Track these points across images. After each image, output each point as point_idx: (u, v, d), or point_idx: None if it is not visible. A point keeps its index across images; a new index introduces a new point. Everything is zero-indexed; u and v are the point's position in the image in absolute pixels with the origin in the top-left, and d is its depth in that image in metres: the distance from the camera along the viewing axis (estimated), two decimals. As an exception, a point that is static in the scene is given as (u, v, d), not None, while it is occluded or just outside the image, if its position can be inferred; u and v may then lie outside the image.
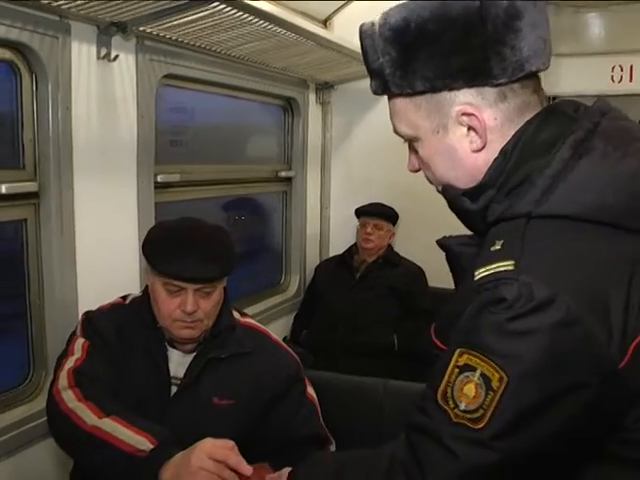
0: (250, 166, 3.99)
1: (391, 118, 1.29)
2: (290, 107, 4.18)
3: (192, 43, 2.89)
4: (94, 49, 2.44)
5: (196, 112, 3.50)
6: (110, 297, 2.16)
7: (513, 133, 1.19)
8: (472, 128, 1.19)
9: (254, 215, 4.20)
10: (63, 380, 1.91)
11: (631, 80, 4.14)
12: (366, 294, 3.93)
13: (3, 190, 2.19)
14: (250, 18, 2.67)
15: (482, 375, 1.05)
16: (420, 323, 3.84)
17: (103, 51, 2.45)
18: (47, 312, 2.44)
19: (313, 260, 4.47)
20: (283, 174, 4.14)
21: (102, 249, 2.56)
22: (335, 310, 3.93)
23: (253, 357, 2.08)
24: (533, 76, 1.20)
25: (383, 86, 1.23)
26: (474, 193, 1.22)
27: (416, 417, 1.15)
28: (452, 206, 1.28)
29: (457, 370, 1.08)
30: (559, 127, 1.17)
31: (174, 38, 2.77)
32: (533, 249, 1.08)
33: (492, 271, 1.07)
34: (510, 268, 1.05)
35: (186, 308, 1.92)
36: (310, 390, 2.19)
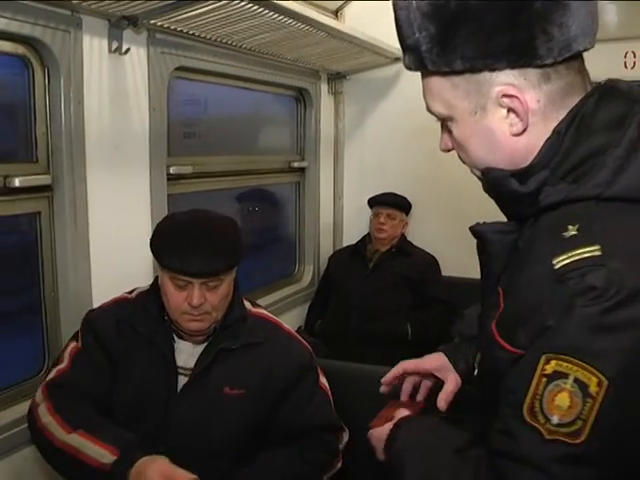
0: (263, 157, 3.99)
1: (424, 95, 1.22)
2: (302, 98, 4.17)
3: (203, 35, 2.89)
4: (105, 43, 2.44)
5: (209, 104, 3.51)
6: (124, 289, 2.20)
7: (557, 116, 1.12)
8: (513, 110, 1.12)
9: (267, 206, 4.20)
10: (38, 393, 2.02)
11: (644, 66, 4.10)
12: (379, 283, 3.93)
13: (17, 183, 2.20)
14: (261, 10, 2.67)
15: (576, 381, 0.96)
16: (434, 312, 3.86)
17: (114, 45, 2.46)
18: (61, 304, 2.45)
19: (327, 250, 4.47)
20: (296, 165, 4.14)
21: (115, 241, 2.57)
22: (349, 300, 3.94)
23: (264, 347, 2.09)
24: (578, 56, 1.12)
25: (418, 62, 1.15)
26: (523, 175, 1.14)
27: (497, 441, 1.05)
28: (494, 189, 1.21)
29: (545, 379, 0.98)
30: (620, 106, 1.10)
31: (185, 31, 2.77)
32: (614, 233, 1.01)
33: (576, 257, 0.99)
34: (597, 254, 0.98)
35: (192, 302, 1.93)
36: (323, 379, 2.21)
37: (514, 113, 1.12)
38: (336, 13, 4.13)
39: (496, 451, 1.05)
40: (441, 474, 1.20)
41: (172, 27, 2.69)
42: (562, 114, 1.12)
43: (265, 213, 4.20)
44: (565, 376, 0.96)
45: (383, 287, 3.92)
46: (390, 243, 4.04)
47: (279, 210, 4.33)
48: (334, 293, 4.10)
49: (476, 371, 1.26)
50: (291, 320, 4.10)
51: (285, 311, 4.01)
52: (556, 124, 1.12)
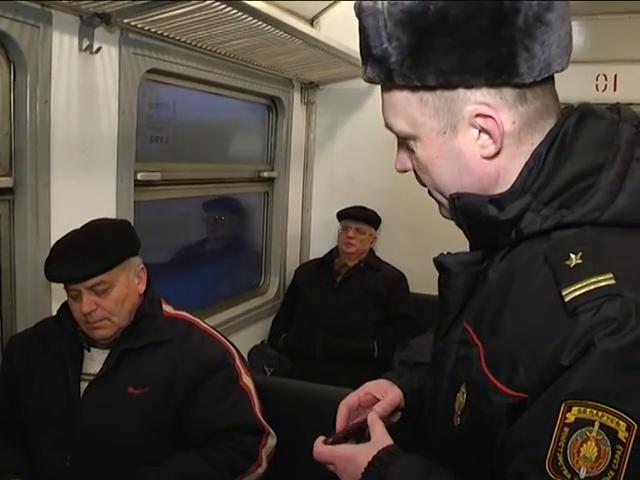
0: (232, 165, 3.89)
1: (384, 111, 1.11)
2: (274, 106, 4.09)
3: (177, 38, 2.79)
4: (76, 40, 2.34)
5: (178, 108, 3.40)
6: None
7: (531, 139, 1.05)
8: (486, 131, 1.03)
9: (234, 215, 4.11)
10: None
11: (615, 89, 4.10)
12: (347, 298, 3.86)
13: (-25, 185, 2.08)
14: (238, 14, 2.59)
15: (603, 427, 0.87)
16: (400, 329, 3.80)
17: (85, 42, 2.35)
18: (19, 314, 2.35)
19: (293, 262, 4.39)
20: (265, 174, 4.06)
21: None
22: (315, 314, 3.86)
23: (173, 345, 2.09)
24: (551, 78, 1.05)
25: (385, 75, 1.04)
26: (502, 200, 1.05)
27: None
28: (467, 215, 1.10)
29: (567, 429, 0.89)
30: (602, 127, 1.04)
31: (159, 32, 2.67)
32: (622, 260, 0.94)
33: (591, 287, 0.92)
34: (612, 282, 0.91)
35: (83, 310, 1.97)
36: (245, 380, 2.16)
37: (487, 134, 1.04)
38: (312, 22, 4.06)
39: None
40: None
41: (146, 27, 2.59)
42: (536, 137, 1.05)
43: (232, 222, 4.10)
44: (590, 423, 0.87)
45: (350, 302, 3.85)
46: (358, 258, 3.98)
47: (246, 220, 4.25)
48: (300, 307, 4.02)
49: (458, 420, 1.13)
50: (255, 333, 4.04)
51: (249, 324, 3.93)
52: (530, 147, 1.05)
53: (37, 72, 2.19)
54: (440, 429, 1.21)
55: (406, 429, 1.45)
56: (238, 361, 2.18)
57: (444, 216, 1.18)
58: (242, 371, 2.16)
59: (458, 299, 1.16)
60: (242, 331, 3.83)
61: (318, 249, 4.35)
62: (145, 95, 2.96)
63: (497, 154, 1.05)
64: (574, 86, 4.03)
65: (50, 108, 2.26)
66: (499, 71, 0.99)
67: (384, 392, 1.47)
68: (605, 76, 4.11)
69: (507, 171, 1.07)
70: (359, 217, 3.99)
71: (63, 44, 2.28)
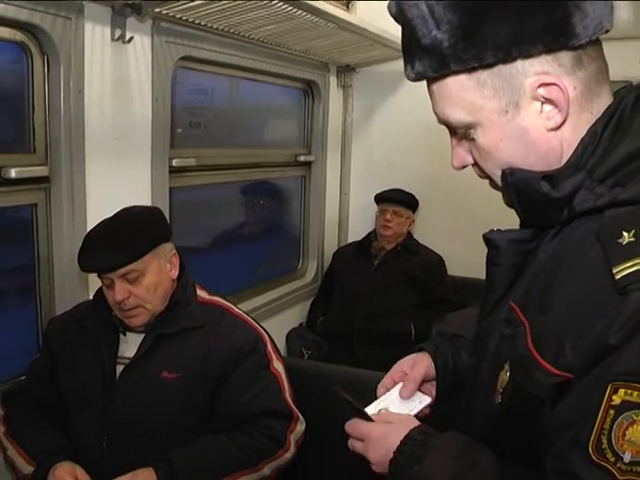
0: (269, 150, 3.92)
1: (437, 105, 1.10)
2: (311, 90, 4.09)
3: (210, 25, 2.80)
4: (108, 31, 2.37)
5: (216, 94, 3.44)
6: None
7: (591, 107, 1.04)
8: (550, 101, 1.02)
9: (272, 199, 4.14)
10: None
11: (664, 67, 4.01)
12: (384, 282, 3.87)
13: (13, 174, 2.13)
14: (270, 0, 2.59)
15: None
16: (438, 313, 3.78)
17: (117, 33, 2.38)
18: (57, 300, 2.40)
19: (331, 246, 4.40)
20: (302, 158, 4.06)
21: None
22: (352, 297, 3.87)
23: (206, 330, 2.12)
24: (600, 40, 1.04)
25: (437, 64, 1.03)
26: (556, 177, 1.04)
27: None
28: (519, 192, 1.09)
29: (613, 411, 0.87)
30: None
31: (191, 20, 2.68)
32: None
33: None
34: None
35: (115, 298, 2.01)
36: (276, 365, 2.18)
37: (551, 104, 1.03)
38: (347, 4, 4.03)
39: None
40: None
41: (177, 16, 2.60)
42: (595, 104, 1.04)
43: (269, 207, 4.13)
44: (637, 406, 0.85)
45: (387, 285, 3.86)
46: (396, 241, 3.98)
47: (284, 204, 4.27)
48: (337, 290, 4.03)
49: (499, 398, 1.11)
50: (293, 316, 4.07)
51: (287, 307, 3.96)
52: (589, 115, 1.04)
53: (70, 63, 2.23)
54: (479, 409, 1.21)
55: (435, 416, 1.46)
56: (270, 346, 2.19)
57: (493, 188, 1.17)
58: (273, 357, 2.18)
59: (505, 278, 1.15)
60: (280, 314, 3.86)
61: (356, 232, 4.35)
62: (182, 82, 2.99)
63: (562, 124, 1.04)
64: (619, 63, 3.95)
65: (84, 98, 2.30)
66: (556, 34, 0.99)
67: (413, 363, 1.48)
68: (655, 53, 4.01)
69: (569, 144, 1.06)
70: (396, 200, 3.98)
71: (95, 35, 2.32)
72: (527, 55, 1.00)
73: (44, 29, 2.14)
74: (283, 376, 2.18)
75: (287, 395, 2.16)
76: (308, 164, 4.17)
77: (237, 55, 3.14)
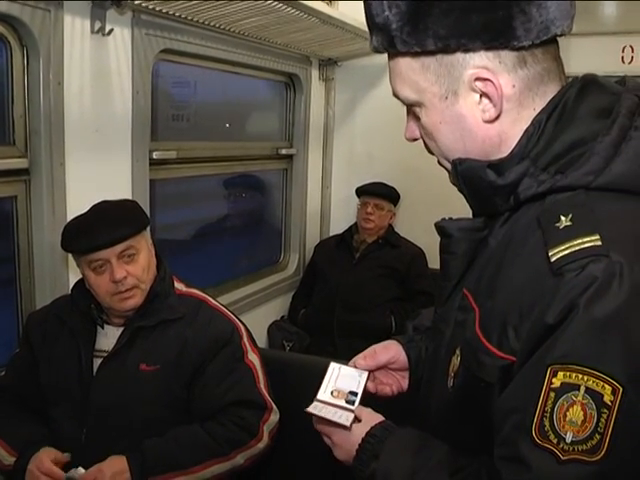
0: (250, 143, 3.92)
1: (391, 80, 1.14)
2: (292, 83, 4.09)
3: (190, 18, 2.80)
4: (88, 23, 2.36)
5: (199, 88, 3.44)
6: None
7: (532, 104, 1.07)
8: (486, 95, 1.05)
9: (254, 192, 4.15)
10: None
11: (641, 61, 4.05)
12: (365, 274, 3.89)
13: (-8, 166, 2.14)
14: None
15: (588, 392, 0.88)
16: (419, 305, 3.81)
17: (97, 25, 2.38)
18: (38, 292, 2.41)
19: (313, 239, 4.41)
20: (284, 151, 4.08)
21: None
22: (333, 290, 3.89)
23: (184, 322, 2.14)
24: (554, 41, 1.07)
25: (387, 43, 1.07)
26: (501, 165, 1.07)
27: (505, 471, 0.95)
28: (467, 180, 1.12)
29: (553, 394, 0.90)
30: (604, 97, 1.05)
31: (171, 12, 2.68)
32: (611, 223, 0.95)
33: (576, 248, 0.93)
34: (598, 243, 0.92)
35: (115, 277, 2.02)
36: (251, 357, 2.20)
37: (487, 98, 1.06)
38: (329, -3, 4.05)
39: None
40: None
41: (157, 8, 2.60)
42: (537, 102, 1.07)
43: (251, 200, 4.14)
44: (576, 388, 0.89)
45: (369, 278, 3.88)
46: (377, 234, 4.00)
47: (266, 197, 4.28)
48: (319, 283, 4.05)
49: (452, 382, 1.15)
50: (274, 309, 4.08)
51: (269, 300, 3.97)
52: (531, 112, 1.07)
53: (50, 55, 2.23)
54: (435, 395, 1.24)
55: (400, 404, 1.47)
56: (246, 338, 2.21)
57: (453, 184, 1.19)
58: (248, 348, 2.20)
59: (458, 265, 1.18)
60: (262, 307, 3.88)
61: (338, 225, 4.37)
62: (164, 75, 3.00)
63: (498, 118, 1.07)
64: (600, 58, 4.01)
65: (63, 90, 2.30)
66: (495, 34, 1.01)
67: (384, 347, 1.51)
68: (632, 47, 4.05)
69: (509, 136, 1.09)
70: (378, 193, 4.00)
71: (75, 27, 2.31)
72: (467, 49, 1.03)
73: (23, 21, 2.14)
74: (258, 367, 2.19)
75: (261, 385, 2.18)
76: (290, 157, 4.18)
77: (218, 48, 3.15)
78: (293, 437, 2.21)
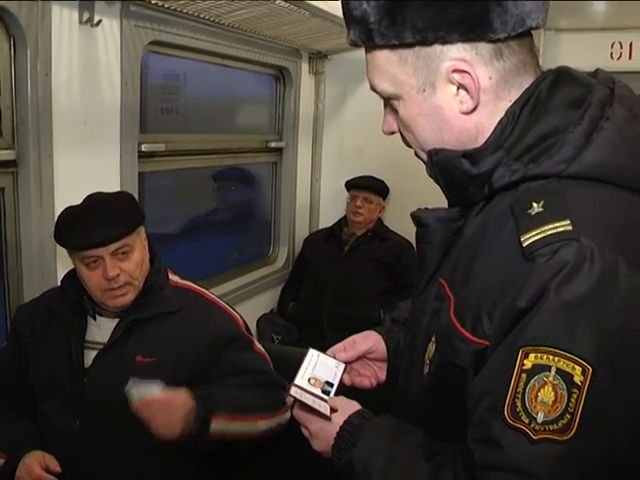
0: (239, 136, 3.91)
1: (369, 73, 1.16)
2: (282, 77, 4.08)
3: (179, 9, 2.79)
4: (76, 13, 2.34)
5: (188, 80, 3.42)
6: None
7: (509, 95, 1.09)
8: (463, 87, 1.07)
9: (243, 185, 4.13)
10: None
11: (630, 57, 4.06)
12: (354, 267, 3.90)
13: (-22, 158, 2.12)
14: (239, -15, 2.58)
15: (559, 372, 0.90)
16: (407, 298, 3.79)
17: (85, 15, 2.35)
18: (26, 285, 2.39)
19: (302, 232, 4.42)
20: (273, 144, 4.07)
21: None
22: (322, 283, 3.91)
23: (181, 315, 2.13)
24: (529, 33, 1.09)
25: (365, 36, 1.08)
26: (476, 155, 1.09)
27: (478, 452, 0.96)
28: (443, 170, 1.14)
29: (525, 375, 0.92)
30: (577, 89, 1.07)
31: (160, 4, 2.66)
32: (583, 209, 0.97)
33: (548, 233, 0.94)
34: (569, 228, 0.94)
35: (108, 274, 1.99)
36: (259, 346, 2.23)
37: (464, 90, 1.08)
38: (319, -10, 4.03)
39: (478, 463, 0.96)
40: None
41: (147, -1, 2.59)
42: (513, 93, 1.09)
43: (240, 193, 4.12)
44: (547, 369, 0.90)
45: (358, 271, 3.89)
46: (366, 227, 4.01)
47: (255, 190, 4.27)
48: (308, 276, 4.06)
49: (427, 368, 1.17)
50: (264, 302, 4.08)
51: (258, 293, 3.97)
52: (507, 103, 1.09)
53: (37, 46, 2.20)
54: (413, 382, 1.26)
55: (377, 394, 1.48)
56: (245, 330, 2.23)
57: (430, 176, 1.20)
58: (253, 339, 2.23)
59: (434, 255, 1.19)
60: (251, 300, 3.88)
61: (327, 219, 4.38)
62: (153, 67, 2.98)
63: (475, 109, 1.09)
64: (589, 54, 4.02)
65: (51, 81, 2.28)
66: (472, 26, 1.03)
67: (364, 337, 1.50)
68: (620, 44, 4.06)
69: (485, 127, 1.10)
70: (367, 186, 4.02)
71: (63, 18, 2.29)
72: (444, 41, 1.05)
73: (11, 11, 2.11)
74: (267, 356, 2.23)
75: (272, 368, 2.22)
76: (279, 150, 4.17)
77: (208, 40, 3.13)
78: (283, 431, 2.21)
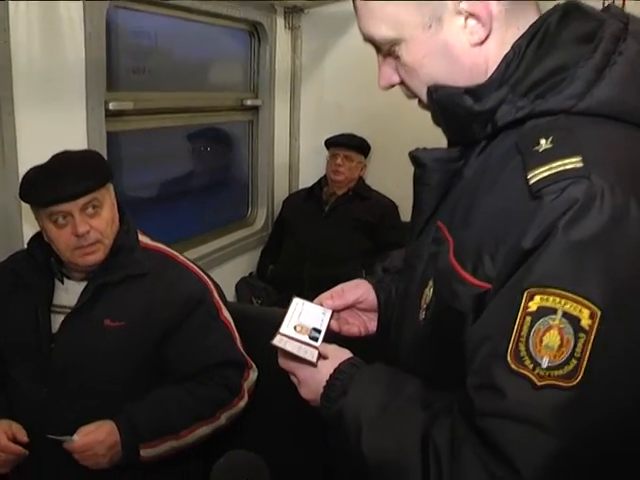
0: (213, 94, 3.84)
1: (362, 23, 1.10)
2: (257, 32, 4.01)
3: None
4: (34, -35, 2.28)
5: (160, 38, 3.36)
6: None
7: (517, 24, 1.05)
8: (473, 16, 1.03)
9: (219, 146, 4.07)
10: None
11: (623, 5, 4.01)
12: (335, 228, 3.89)
13: None
14: None
15: (566, 315, 0.87)
16: (390, 259, 3.79)
17: (45, -32, 2.30)
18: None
19: (282, 193, 4.38)
20: (249, 102, 4.00)
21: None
22: (302, 245, 3.90)
23: (150, 278, 2.10)
24: None
25: None
26: (479, 91, 1.06)
27: (479, 399, 0.94)
28: (444, 108, 1.10)
29: (529, 318, 0.89)
30: (587, 23, 1.04)
31: (125, -46, 2.60)
32: (593, 146, 0.94)
33: (556, 169, 0.91)
34: (579, 165, 0.90)
35: (77, 231, 1.96)
36: (225, 314, 2.19)
37: (474, 19, 1.04)
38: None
39: (478, 410, 0.93)
40: (411, 445, 1.02)
41: (110, -50, 2.52)
42: (522, 22, 1.06)
43: (216, 153, 4.06)
44: (553, 311, 0.88)
45: (339, 232, 3.87)
46: (347, 186, 3.99)
47: (231, 150, 4.21)
48: (288, 237, 4.05)
49: (423, 314, 1.14)
50: (242, 265, 4.07)
51: (236, 255, 3.95)
52: (516, 32, 1.06)
53: (-7, 1, 2.15)
54: (406, 332, 1.23)
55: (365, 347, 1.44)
56: (216, 295, 2.19)
57: (422, 108, 1.18)
58: (221, 305, 2.19)
59: (432, 197, 1.16)
60: (229, 263, 3.86)
61: (307, 178, 4.34)
62: (123, 25, 2.93)
63: (486, 40, 1.05)
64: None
65: (9, 37, 2.22)
66: None
67: (354, 285, 1.49)
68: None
69: (495, 61, 1.07)
70: (347, 144, 3.98)
71: (20, -30, 2.23)
72: None
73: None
74: (232, 325, 2.19)
75: (238, 343, 2.17)
76: (255, 108, 4.11)
77: (177, -6, 3.06)
78: (265, 393, 2.21)
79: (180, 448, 2.03)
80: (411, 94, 1.17)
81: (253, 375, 2.17)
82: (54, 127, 2.46)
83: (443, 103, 1.10)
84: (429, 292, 1.13)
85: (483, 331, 0.96)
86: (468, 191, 1.08)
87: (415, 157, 1.16)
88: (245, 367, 2.16)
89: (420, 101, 1.17)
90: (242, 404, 2.13)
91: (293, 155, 4.53)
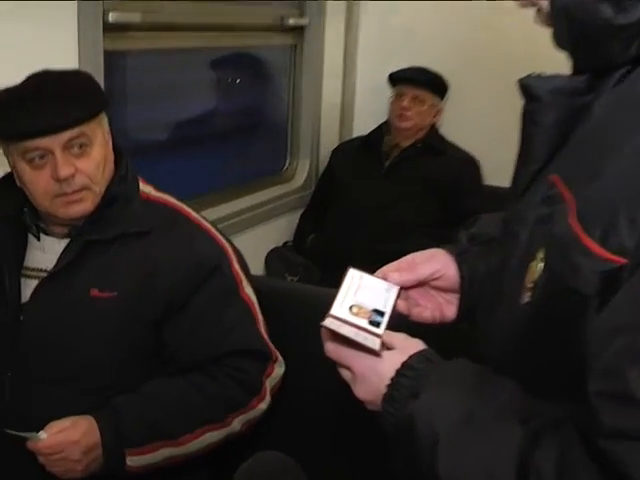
0: (246, 7, 3.78)
1: None
2: None
3: None
4: None
5: None
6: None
7: None
8: None
9: (251, 76, 4.08)
10: None
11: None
12: (397, 189, 3.86)
13: None
14: None
15: None
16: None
17: None
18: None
19: (330, 142, 4.37)
20: (292, 22, 3.96)
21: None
22: (355, 209, 3.88)
23: (153, 238, 2.09)
24: None
25: None
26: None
27: (608, 412, 0.89)
28: (572, 19, 1.05)
29: None
30: None
31: None
32: None
33: None
34: None
35: (59, 174, 1.92)
36: (247, 290, 2.18)
37: None
38: None
39: (606, 427, 0.89)
40: (504, 469, 1.00)
41: None
42: None
43: (247, 87, 4.09)
44: None
45: (402, 194, 3.85)
46: (415, 136, 3.95)
47: (267, 83, 4.22)
48: (336, 200, 4.03)
49: (527, 296, 1.09)
50: (276, 232, 4.11)
51: (269, 219, 3.97)
52: None
53: None
54: (501, 320, 1.20)
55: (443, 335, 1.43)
56: (237, 265, 2.18)
57: (540, 22, 1.14)
58: (242, 278, 2.17)
59: (546, 142, 1.13)
60: (258, 228, 3.86)
61: (364, 124, 4.32)
62: None
63: None
64: None
65: None
66: None
67: (429, 257, 1.46)
68: None
69: None
70: (419, 81, 3.93)
71: None
72: None
73: None
74: (256, 304, 2.18)
75: (262, 328, 2.17)
76: (300, 29, 4.08)
77: None
78: (295, 392, 2.22)
79: (179, 457, 2.03)
80: (528, 1, 1.13)
81: (279, 370, 2.16)
82: (33, 39, 2.44)
83: (571, 13, 1.05)
84: (537, 267, 1.08)
85: (614, 321, 0.91)
86: (599, 134, 1.04)
87: (526, 87, 1.12)
88: (269, 359, 2.14)
89: (539, 10, 1.12)
90: (263, 406, 2.11)
91: (347, 93, 4.50)
